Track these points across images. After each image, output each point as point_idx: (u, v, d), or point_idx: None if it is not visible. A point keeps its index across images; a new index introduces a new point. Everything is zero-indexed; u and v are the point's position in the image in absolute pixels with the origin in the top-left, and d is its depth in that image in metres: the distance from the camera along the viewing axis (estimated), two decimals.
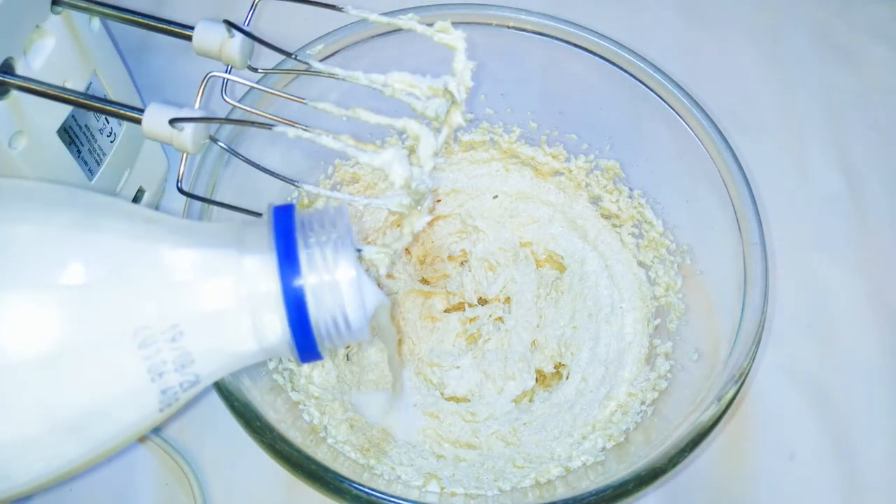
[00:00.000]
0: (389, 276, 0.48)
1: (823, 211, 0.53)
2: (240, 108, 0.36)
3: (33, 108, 0.35)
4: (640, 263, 0.47)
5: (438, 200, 0.50)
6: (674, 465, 0.34)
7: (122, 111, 0.32)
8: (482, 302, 0.48)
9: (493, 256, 0.49)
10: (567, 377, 0.45)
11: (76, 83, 0.38)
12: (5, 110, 0.34)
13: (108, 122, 0.41)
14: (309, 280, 0.25)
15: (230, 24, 0.32)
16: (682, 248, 0.44)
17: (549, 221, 0.50)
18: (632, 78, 0.43)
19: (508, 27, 0.44)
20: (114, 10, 0.35)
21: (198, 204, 0.37)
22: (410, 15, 0.31)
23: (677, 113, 0.42)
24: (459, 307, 0.48)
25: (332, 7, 0.33)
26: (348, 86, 0.31)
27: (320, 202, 0.46)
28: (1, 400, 0.23)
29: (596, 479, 0.37)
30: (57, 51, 0.36)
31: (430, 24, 0.30)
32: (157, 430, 0.43)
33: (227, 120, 0.36)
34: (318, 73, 0.33)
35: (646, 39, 0.54)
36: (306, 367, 0.43)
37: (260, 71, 0.35)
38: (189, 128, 0.31)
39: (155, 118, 0.31)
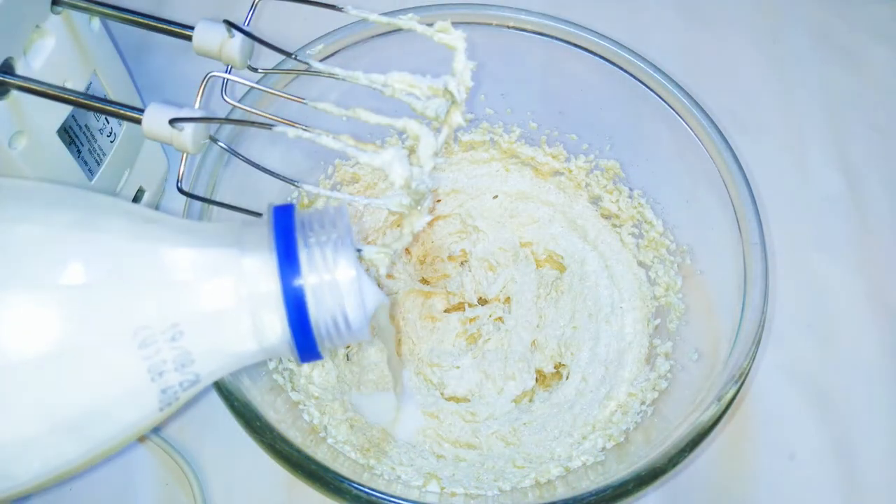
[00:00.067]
0: (389, 276, 0.48)
1: (823, 211, 0.53)
2: (240, 108, 0.36)
3: (33, 108, 0.35)
4: (640, 263, 0.47)
5: (438, 200, 0.50)
6: (674, 465, 0.34)
7: (122, 111, 0.32)
8: (482, 302, 0.48)
9: (493, 256, 0.49)
10: (567, 377, 0.45)
11: (76, 83, 0.38)
12: (5, 110, 0.34)
13: (108, 122, 0.41)
14: (309, 280, 0.25)
15: (230, 24, 0.32)
16: (682, 248, 0.44)
17: (549, 221, 0.50)
18: (632, 78, 0.43)
19: (508, 27, 0.44)
20: (114, 10, 0.35)
21: (198, 204, 0.37)
22: (410, 15, 0.31)
23: (677, 113, 0.42)
24: (459, 307, 0.48)
25: (332, 7, 0.33)
26: (348, 86, 0.31)
27: (320, 202, 0.46)
28: (1, 400, 0.23)
29: (596, 479, 0.37)
30: (57, 51, 0.36)
31: (430, 24, 0.30)
32: (157, 430, 0.43)
33: (227, 120, 0.36)
34: (318, 73, 0.33)
35: (646, 39, 0.54)
36: (306, 367, 0.43)
37: (260, 71, 0.35)
38: (189, 128, 0.31)
39: (155, 118, 0.31)
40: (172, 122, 0.31)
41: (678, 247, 0.45)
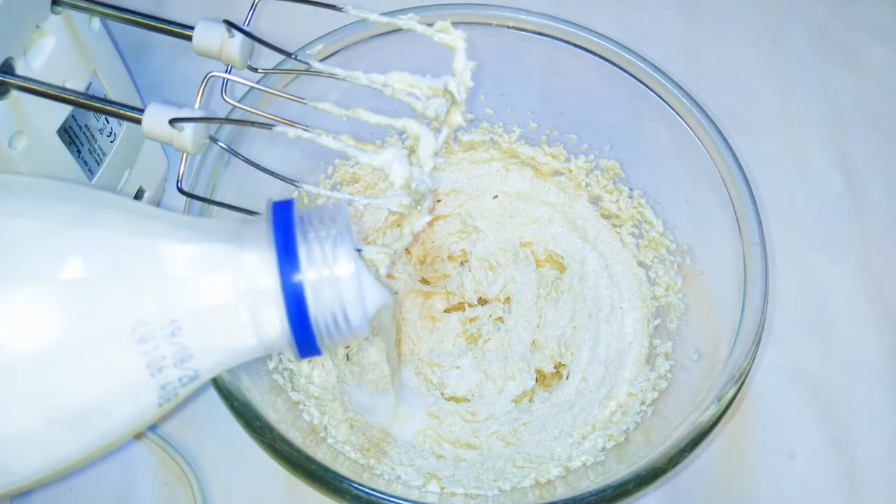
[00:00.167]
0: (389, 276, 0.48)
1: (823, 211, 0.53)
2: (240, 108, 0.36)
3: (33, 108, 0.35)
4: (640, 263, 0.47)
5: (438, 200, 0.50)
6: (674, 465, 0.34)
7: (122, 111, 0.32)
8: (482, 302, 0.48)
9: (493, 256, 0.49)
10: (567, 377, 0.45)
11: (76, 83, 0.38)
12: (5, 110, 0.34)
13: (108, 122, 0.41)
14: (308, 275, 0.25)
15: (230, 24, 0.32)
16: (682, 248, 0.44)
17: (549, 221, 0.50)
18: (632, 78, 0.43)
19: (508, 27, 0.44)
20: (114, 10, 0.35)
21: (198, 204, 0.37)
22: (410, 15, 0.31)
23: (677, 113, 0.42)
24: (459, 307, 0.48)
25: (332, 7, 0.33)
26: (348, 86, 0.31)
27: (320, 202, 0.46)
28: None
29: (596, 479, 0.37)
30: (57, 51, 0.36)
31: (430, 24, 0.30)
32: (157, 430, 0.43)
33: (227, 120, 0.36)
34: (318, 73, 0.33)
35: (646, 39, 0.54)
36: (306, 367, 0.43)
37: (260, 71, 0.35)
38: (189, 128, 0.31)
39: (155, 118, 0.31)
40: (172, 122, 0.31)
41: (678, 247, 0.45)
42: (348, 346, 0.46)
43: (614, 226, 0.48)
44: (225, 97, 0.34)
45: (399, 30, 0.33)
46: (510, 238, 0.49)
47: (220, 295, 0.25)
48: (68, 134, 0.38)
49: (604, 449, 0.40)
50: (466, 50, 0.30)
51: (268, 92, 0.38)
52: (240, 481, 0.42)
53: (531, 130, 0.49)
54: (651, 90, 0.43)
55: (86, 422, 0.25)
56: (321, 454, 0.34)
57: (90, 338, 0.24)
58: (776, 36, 0.60)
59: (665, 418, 0.39)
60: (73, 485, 0.42)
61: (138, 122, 0.31)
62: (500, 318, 0.47)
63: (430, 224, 0.49)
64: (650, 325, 0.45)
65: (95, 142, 0.41)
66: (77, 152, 0.39)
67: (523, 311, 0.47)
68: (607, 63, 0.43)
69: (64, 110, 0.37)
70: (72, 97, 0.33)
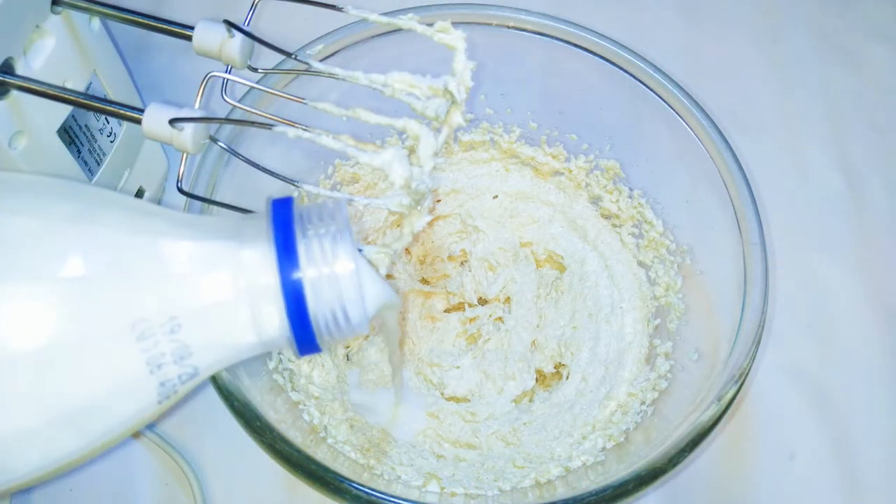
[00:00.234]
0: (389, 276, 0.48)
1: (823, 211, 0.53)
2: (240, 108, 0.36)
3: (33, 108, 0.35)
4: (640, 263, 0.47)
5: (438, 200, 0.50)
6: (674, 465, 0.34)
7: (122, 111, 0.32)
8: (482, 302, 0.48)
9: (493, 256, 0.49)
10: (567, 377, 0.45)
11: (76, 83, 0.38)
12: (5, 110, 0.34)
13: (108, 122, 0.41)
14: (307, 272, 0.25)
15: (230, 24, 0.32)
16: (682, 248, 0.44)
17: (549, 221, 0.50)
18: (632, 78, 0.43)
19: (508, 27, 0.44)
20: (114, 10, 0.35)
21: (198, 204, 0.37)
22: (410, 15, 0.31)
23: (677, 113, 0.42)
24: (459, 307, 0.48)
25: (332, 7, 0.33)
26: (348, 86, 0.31)
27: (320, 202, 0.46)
28: None
29: (596, 479, 0.37)
30: (57, 51, 0.36)
31: (430, 24, 0.30)
32: (157, 430, 0.43)
33: (227, 120, 0.36)
34: (318, 73, 0.33)
35: (646, 39, 0.54)
36: (306, 367, 0.43)
37: (260, 71, 0.35)
38: (189, 128, 0.31)
39: (155, 118, 0.31)
40: (172, 122, 0.31)
41: (678, 247, 0.45)
42: (348, 346, 0.46)
43: (614, 226, 0.48)
44: (225, 97, 0.34)
45: (399, 30, 0.33)
46: (510, 238, 0.49)
47: (219, 292, 0.25)
48: (68, 134, 0.38)
49: (604, 449, 0.40)
50: (466, 50, 0.30)
51: (268, 92, 0.38)
52: (240, 481, 0.42)
53: (531, 130, 0.49)
54: (651, 90, 0.43)
55: (85, 419, 0.25)
56: (321, 454, 0.34)
57: (90, 335, 0.24)
58: (776, 36, 0.60)
59: (665, 418, 0.39)
60: (73, 484, 0.42)
61: (138, 122, 0.31)
62: (500, 318, 0.47)
63: (430, 224, 0.49)
64: (650, 325, 0.45)
65: (95, 142, 0.41)
66: (77, 152, 0.39)
67: (523, 311, 0.47)
68: (607, 63, 0.43)
69: (64, 110, 0.37)
70: (72, 97, 0.33)
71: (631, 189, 0.47)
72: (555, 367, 0.46)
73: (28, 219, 0.24)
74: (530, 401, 0.45)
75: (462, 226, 0.50)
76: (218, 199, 0.38)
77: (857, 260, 0.52)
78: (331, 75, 0.32)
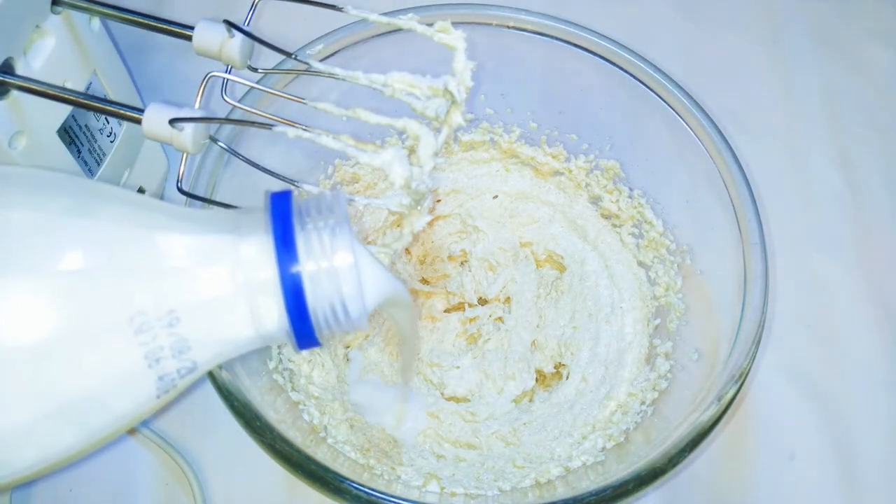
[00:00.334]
0: None
1: (823, 211, 0.53)
2: (240, 108, 0.36)
3: (33, 108, 0.35)
4: (640, 263, 0.47)
5: (438, 200, 0.50)
6: (674, 465, 0.34)
7: (122, 111, 0.32)
8: (482, 302, 0.48)
9: (493, 256, 0.49)
10: (567, 377, 0.45)
11: (76, 83, 0.38)
12: (5, 110, 0.34)
13: (108, 122, 0.41)
14: (306, 265, 0.25)
15: (230, 24, 0.32)
16: (682, 248, 0.44)
17: (549, 221, 0.50)
18: (632, 78, 0.43)
19: (508, 27, 0.44)
20: (114, 10, 0.35)
21: (198, 203, 0.37)
22: (410, 15, 0.31)
23: (677, 113, 0.42)
24: (459, 307, 0.48)
25: (332, 7, 0.33)
26: (348, 86, 0.31)
27: None
28: None
29: (596, 479, 0.37)
30: (57, 51, 0.36)
31: (430, 24, 0.30)
32: (157, 430, 0.43)
33: (227, 120, 0.36)
34: (318, 73, 0.33)
35: (646, 39, 0.53)
36: (306, 367, 0.43)
37: (260, 71, 0.35)
38: (189, 128, 0.31)
39: (155, 118, 0.31)
40: (172, 122, 0.31)
41: (678, 247, 0.45)
42: (348, 346, 0.46)
43: (614, 226, 0.48)
44: (225, 97, 0.34)
45: (399, 30, 0.33)
46: (510, 238, 0.49)
47: (218, 286, 0.25)
48: (68, 134, 0.38)
49: (604, 449, 0.40)
50: (466, 50, 0.30)
51: (268, 92, 0.38)
52: (240, 481, 0.42)
53: (531, 130, 0.49)
54: (651, 90, 0.43)
55: (83, 413, 0.24)
56: (321, 454, 0.34)
57: (88, 329, 0.24)
58: (776, 36, 0.60)
59: (665, 418, 0.39)
60: (73, 484, 0.42)
61: (138, 122, 0.31)
62: (500, 318, 0.47)
63: (430, 224, 0.49)
64: (650, 325, 0.45)
65: (95, 142, 0.41)
66: (77, 152, 0.39)
67: (523, 311, 0.47)
68: (607, 63, 0.43)
69: (64, 110, 0.37)
70: (72, 97, 0.33)
71: (631, 189, 0.47)
72: (555, 367, 0.46)
73: (26, 212, 0.24)
74: (530, 401, 0.45)
75: (462, 226, 0.50)
76: (218, 198, 0.38)
77: (857, 260, 0.51)
78: (331, 75, 0.32)
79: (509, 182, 0.50)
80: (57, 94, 0.33)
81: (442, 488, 0.38)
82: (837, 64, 0.59)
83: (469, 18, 0.44)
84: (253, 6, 0.35)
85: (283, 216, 0.25)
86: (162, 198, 0.50)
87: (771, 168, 0.54)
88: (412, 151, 0.30)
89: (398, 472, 0.39)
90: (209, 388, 0.34)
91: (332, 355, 0.44)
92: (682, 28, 0.60)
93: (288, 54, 0.34)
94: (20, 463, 0.25)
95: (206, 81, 0.33)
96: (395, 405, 0.43)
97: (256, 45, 0.33)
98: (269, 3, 0.54)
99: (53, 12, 0.35)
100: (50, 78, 0.35)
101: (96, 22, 0.39)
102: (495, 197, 0.50)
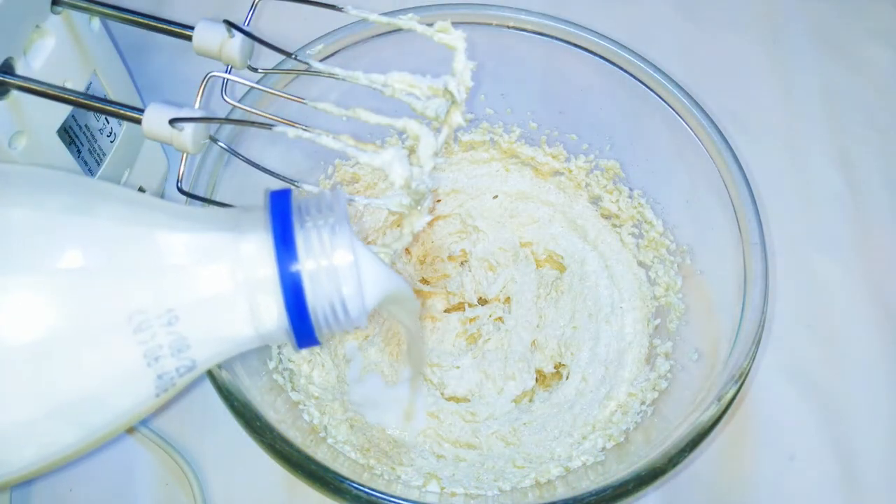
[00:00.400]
0: None
1: (823, 211, 0.53)
2: (240, 108, 0.36)
3: (33, 108, 0.35)
4: (640, 263, 0.47)
5: (438, 200, 0.50)
6: (674, 465, 0.34)
7: (122, 111, 0.32)
8: (482, 302, 0.48)
9: (493, 256, 0.49)
10: (567, 377, 0.45)
11: (76, 83, 0.38)
12: (5, 110, 0.34)
13: (108, 122, 0.41)
14: (305, 263, 0.25)
15: (230, 24, 0.32)
16: (682, 248, 0.44)
17: (549, 221, 0.50)
18: (632, 78, 0.43)
19: (508, 27, 0.44)
20: (114, 10, 0.35)
21: (198, 203, 0.37)
22: (410, 15, 0.31)
23: (677, 113, 0.42)
24: (459, 307, 0.48)
25: (332, 7, 0.33)
26: (348, 86, 0.31)
27: None
28: None
29: (596, 479, 0.37)
30: (57, 51, 0.36)
31: (430, 24, 0.30)
32: (157, 430, 0.43)
33: (227, 120, 0.36)
34: (318, 73, 0.33)
35: (646, 39, 0.54)
36: (306, 367, 0.43)
37: (260, 71, 0.35)
38: (189, 128, 0.31)
39: (155, 118, 0.31)
40: (172, 122, 0.31)
41: (678, 247, 0.45)
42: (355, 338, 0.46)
43: (614, 226, 0.48)
44: (225, 97, 0.34)
45: (399, 30, 0.33)
46: (510, 238, 0.49)
47: (217, 284, 0.25)
48: (68, 134, 0.38)
49: (604, 449, 0.40)
50: (466, 50, 0.30)
51: (268, 92, 0.38)
52: (240, 481, 0.42)
53: (531, 130, 0.49)
54: (651, 90, 0.43)
55: (82, 412, 0.24)
56: (321, 454, 0.34)
57: (87, 327, 0.24)
58: (776, 36, 0.60)
59: (665, 418, 0.39)
60: (73, 484, 0.42)
61: (138, 122, 0.31)
62: (500, 318, 0.47)
63: (430, 224, 0.49)
64: (650, 325, 0.45)
65: (95, 142, 0.41)
66: (77, 152, 0.39)
67: (523, 311, 0.47)
68: (607, 63, 0.43)
69: (64, 110, 0.37)
70: (72, 97, 0.33)
71: (631, 189, 0.47)
72: (555, 367, 0.46)
73: (26, 210, 0.24)
74: (530, 401, 0.45)
75: (462, 226, 0.50)
76: (218, 198, 0.38)
77: (857, 260, 0.51)
78: (331, 75, 0.32)
79: (509, 182, 0.50)
80: (57, 94, 0.33)
81: (442, 488, 0.38)
82: (837, 64, 0.59)
83: (469, 18, 0.44)
84: (253, 6, 0.35)
85: (282, 214, 0.25)
86: (162, 198, 0.50)
87: (771, 168, 0.54)
88: (412, 151, 0.30)
89: (398, 472, 0.39)
90: (209, 388, 0.34)
91: (332, 355, 0.44)
92: (682, 28, 0.60)
93: (288, 54, 0.34)
94: (20, 461, 0.25)
95: (206, 81, 0.33)
96: (404, 402, 0.43)
97: (256, 45, 0.33)
98: (269, 3, 0.54)
99: (53, 12, 0.35)
100: (50, 78, 0.35)
101: (96, 22, 0.39)
102: (495, 197, 0.50)
